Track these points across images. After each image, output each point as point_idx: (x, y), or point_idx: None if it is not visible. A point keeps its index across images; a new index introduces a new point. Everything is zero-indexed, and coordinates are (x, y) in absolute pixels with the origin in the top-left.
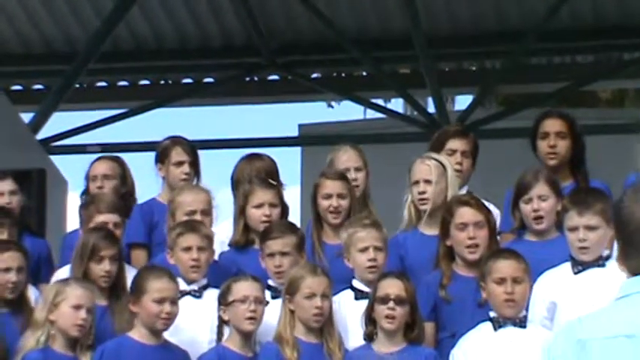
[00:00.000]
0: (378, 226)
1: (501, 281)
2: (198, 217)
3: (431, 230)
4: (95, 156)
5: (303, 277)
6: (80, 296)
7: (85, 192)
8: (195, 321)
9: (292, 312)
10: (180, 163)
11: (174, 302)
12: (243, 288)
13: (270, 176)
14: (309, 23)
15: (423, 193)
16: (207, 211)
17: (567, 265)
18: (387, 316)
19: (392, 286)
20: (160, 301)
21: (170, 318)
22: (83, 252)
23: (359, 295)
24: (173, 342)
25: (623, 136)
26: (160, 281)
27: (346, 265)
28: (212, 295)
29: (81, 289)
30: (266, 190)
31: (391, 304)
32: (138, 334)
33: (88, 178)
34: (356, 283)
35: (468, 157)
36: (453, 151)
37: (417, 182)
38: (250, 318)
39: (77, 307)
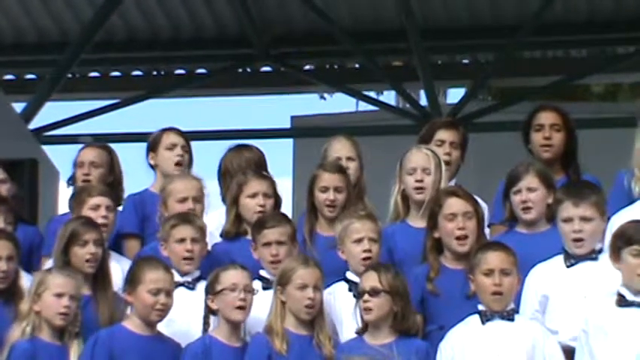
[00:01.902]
0: (373, 218)
1: (490, 273)
2: (190, 204)
3: (420, 223)
4: None
5: (295, 268)
6: (61, 284)
7: (72, 178)
8: (189, 313)
9: (283, 303)
10: (173, 146)
11: (169, 294)
12: (233, 276)
13: (258, 167)
14: (302, 15)
15: (421, 181)
16: (199, 199)
17: (560, 258)
18: (364, 309)
19: (366, 279)
20: (156, 292)
21: (165, 309)
22: (63, 239)
23: (353, 287)
24: (166, 333)
25: (616, 131)
26: (156, 272)
27: (338, 257)
28: None
29: (62, 277)
30: (261, 180)
31: (366, 296)
32: (132, 324)
33: (76, 164)
34: (350, 275)
35: (457, 148)
36: (442, 142)
37: (413, 170)
38: (240, 307)
39: (59, 295)
